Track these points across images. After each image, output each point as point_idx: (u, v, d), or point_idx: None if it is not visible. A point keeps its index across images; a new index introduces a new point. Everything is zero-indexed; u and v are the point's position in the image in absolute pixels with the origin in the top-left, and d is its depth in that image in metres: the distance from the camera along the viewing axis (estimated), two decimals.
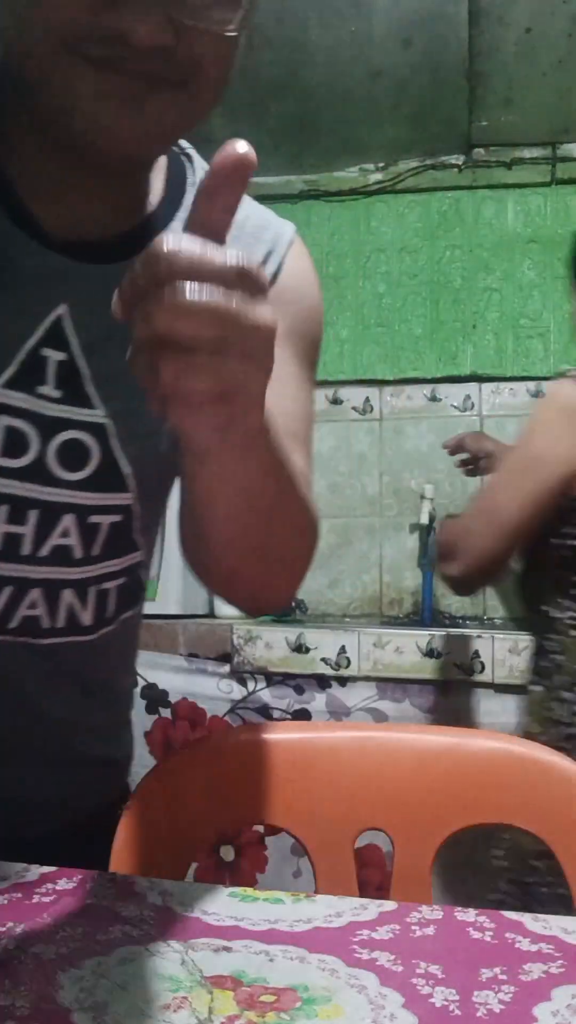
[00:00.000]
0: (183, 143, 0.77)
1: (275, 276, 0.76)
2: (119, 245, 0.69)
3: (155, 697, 1.80)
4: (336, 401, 2.44)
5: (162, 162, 0.74)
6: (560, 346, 2.33)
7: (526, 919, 0.59)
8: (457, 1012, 0.46)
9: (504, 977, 0.50)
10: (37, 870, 0.66)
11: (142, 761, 1.78)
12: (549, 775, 0.80)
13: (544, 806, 0.79)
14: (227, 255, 0.44)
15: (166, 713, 1.80)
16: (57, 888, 0.62)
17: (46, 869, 0.66)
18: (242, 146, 0.45)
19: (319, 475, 2.34)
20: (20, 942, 0.53)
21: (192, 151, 0.78)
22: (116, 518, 0.72)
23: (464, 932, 0.57)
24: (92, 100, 0.59)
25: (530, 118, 2.24)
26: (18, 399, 0.67)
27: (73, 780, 0.81)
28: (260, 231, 0.77)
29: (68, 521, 0.70)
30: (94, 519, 0.71)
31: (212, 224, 0.47)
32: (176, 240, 0.44)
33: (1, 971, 0.50)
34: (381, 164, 2.42)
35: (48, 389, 0.68)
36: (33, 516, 0.69)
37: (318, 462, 2.10)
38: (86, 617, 0.75)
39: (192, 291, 0.43)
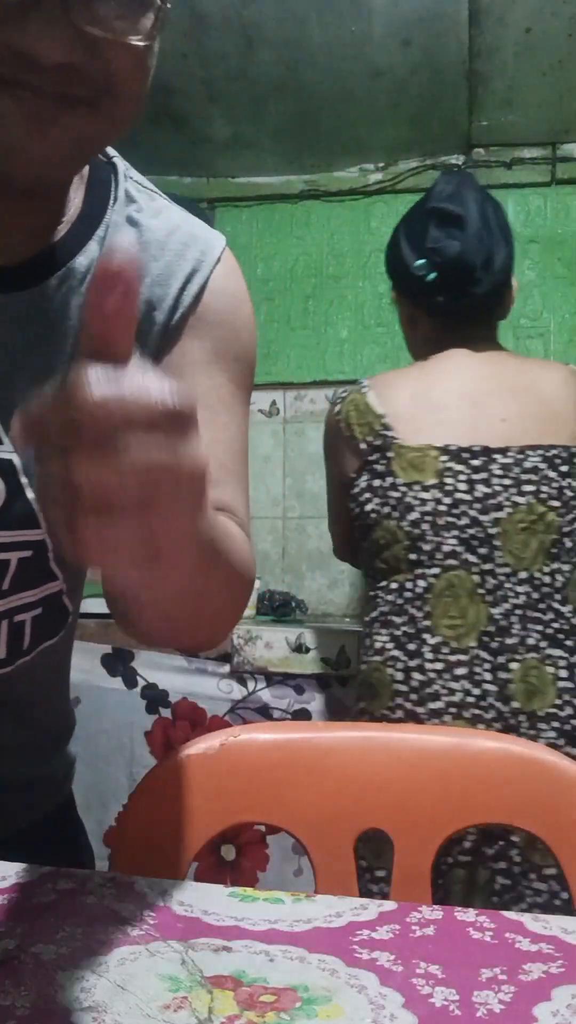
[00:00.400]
0: (109, 149, 0.74)
1: (199, 297, 0.72)
2: (26, 270, 0.66)
3: (155, 697, 1.80)
4: None
5: (84, 172, 0.71)
6: (560, 346, 2.33)
7: (526, 919, 0.59)
8: (457, 1012, 0.46)
9: (504, 977, 0.50)
10: (37, 870, 0.66)
11: (142, 761, 1.79)
12: (549, 775, 0.80)
13: (544, 806, 0.79)
14: (155, 396, 0.38)
15: (166, 713, 1.80)
16: (57, 888, 0.62)
17: (46, 869, 0.66)
18: (119, 257, 0.39)
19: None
20: (20, 942, 0.53)
21: (118, 159, 0.75)
22: (25, 554, 0.69)
23: (464, 932, 0.57)
24: (12, 125, 0.55)
25: (530, 118, 2.24)
26: None
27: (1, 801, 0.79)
28: (184, 248, 0.73)
29: None
30: (1, 556, 0.68)
31: (115, 349, 0.40)
32: (99, 384, 0.37)
33: (1, 971, 0.50)
34: (381, 164, 2.43)
35: None
36: None
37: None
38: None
39: (119, 446, 0.37)
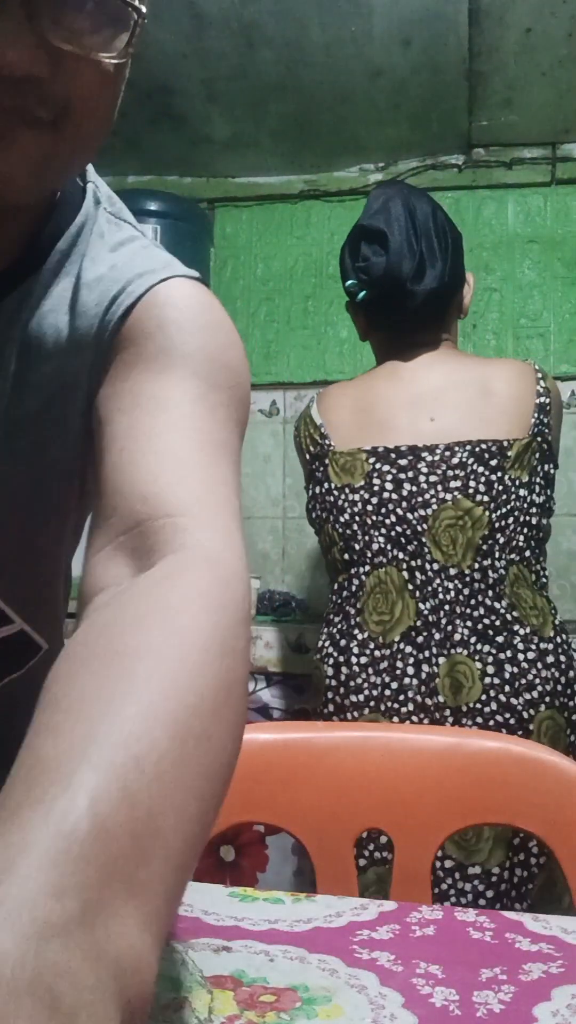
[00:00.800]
0: (89, 171, 0.70)
1: (126, 315, 0.64)
2: None
3: None
4: None
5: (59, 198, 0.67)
6: (560, 346, 2.33)
7: (526, 919, 0.59)
8: (457, 1012, 0.46)
9: (504, 977, 0.50)
10: None
11: None
12: (549, 775, 0.80)
13: (544, 806, 0.79)
14: None
15: None
16: None
17: None
18: None
19: None
20: None
21: (95, 181, 0.70)
22: None
23: (464, 932, 0.57)
24: None
25: (530, 118, 2.24)
26: None
27: None
28: (120, 277, 0.66)
29: None
30: None
31: None
32: None
33: None
34: (381, 164, 2.43)
35: None
36: None
37: None
38: None
39: None
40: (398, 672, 1.29)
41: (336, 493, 1.40)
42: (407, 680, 1.28)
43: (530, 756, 0.82)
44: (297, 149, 2.38)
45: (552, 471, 1.40)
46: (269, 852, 1.81)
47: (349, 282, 1.51)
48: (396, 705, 1.28)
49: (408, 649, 1.29)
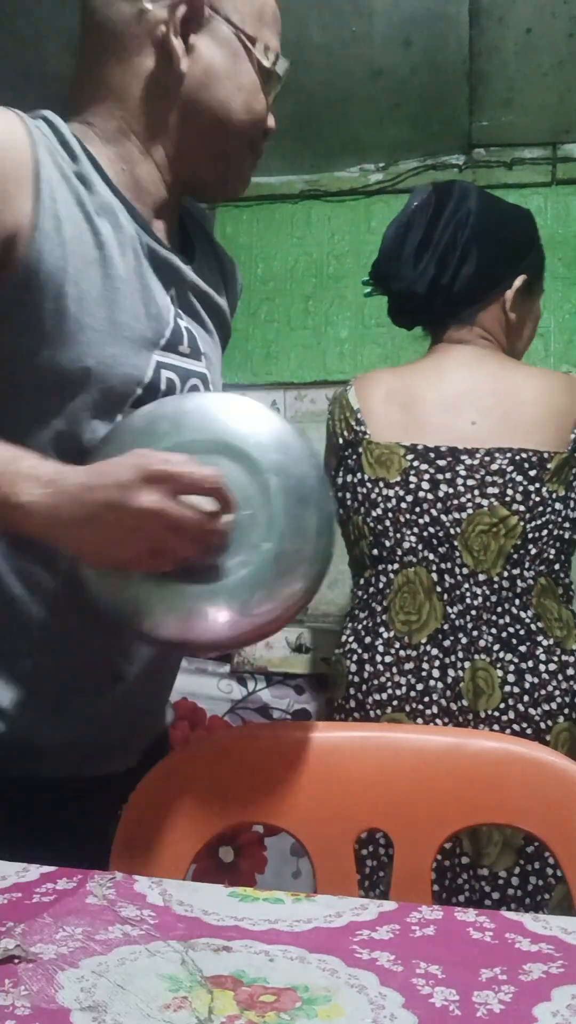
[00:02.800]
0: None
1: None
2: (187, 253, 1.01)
3: None
4: None
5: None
6: (560, 346, 2.33)
7: (526, 919, 0.59)
8: (457, 1012, 0.46)
9: (504, 977, 0.50)
10: (37, 870, 0.66)
11: None
12: (549, 775, 0.80)
13: (543, 806, 0.79)
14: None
15: None
16: (57, 888, 0.62)
17: (46, 869, 0.66)
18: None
19: None
20: (20, 942, 0.53)
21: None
22: None
23: (464, 932, 0.57)
24: (246, 170, 1.01)
25: (530, 118, 2.24)
26: (171, 357, 0.92)
27: (155, 728, 1.02)
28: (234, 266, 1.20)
29: None
30: None
31: None
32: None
33: (1, 971, 0.50)
34: (381, 164, 2.42)
35: (184, 348, 0.93)
36: None
37: None
38: None
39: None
40: (423, 674, 1.28)
41: (369, 486, 1.38)
42: (432, 683, 1.27)
43: (530, 756, 0.82)
44: (297, 149, 2.38)
45: None
46: (268, 854, 1.81)
47: (364, 279, 1.52)
48: (421, 707, 1.27)
49: (434, 652, 1.28)
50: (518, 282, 1.51)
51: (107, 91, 0.93)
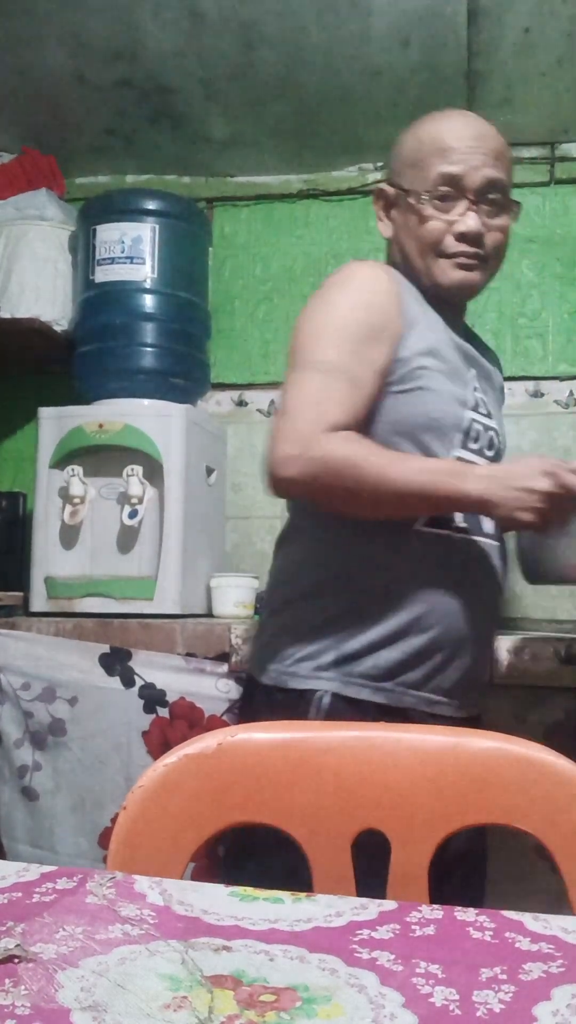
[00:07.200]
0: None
1: None
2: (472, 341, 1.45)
3: (153, 697, 1.80)
4: None
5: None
6: (559, 346, 2.33)
7: (526, 919, 0.59)
8: (457, 1012, 0.46)
9: (504, 977, 0.50)
10: (37, 870, 0.66)
11: (139, 761, 1.79)
12: (548, 775, 0.80)
13: (542, 806, 0.79)
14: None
15: (163, 713, 1.80)
16: (57, 888, 0.62)
17: (46, 869, 0.66)
18: None
19: None
20: (20, 942, 0.53)
21: None
22: None
23: (464, 932, 0.57)
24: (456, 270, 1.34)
25: (529, 118, 2.24)
26: (480, 417, 1.34)
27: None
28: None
29: None
30: None
31: None
32: None
33: (1, 971, 0.49)
34: (380, 164, 2.42)
35: (483, 413, 1.36)
36: None
37: None
38: None
39: None
40: None
41: None
42: None
43: (528, 756, 0.82)
44: (296, 149, 2.38)
45: None
46: None
47: None
48: None
49: None
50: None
51: None
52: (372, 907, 0.61)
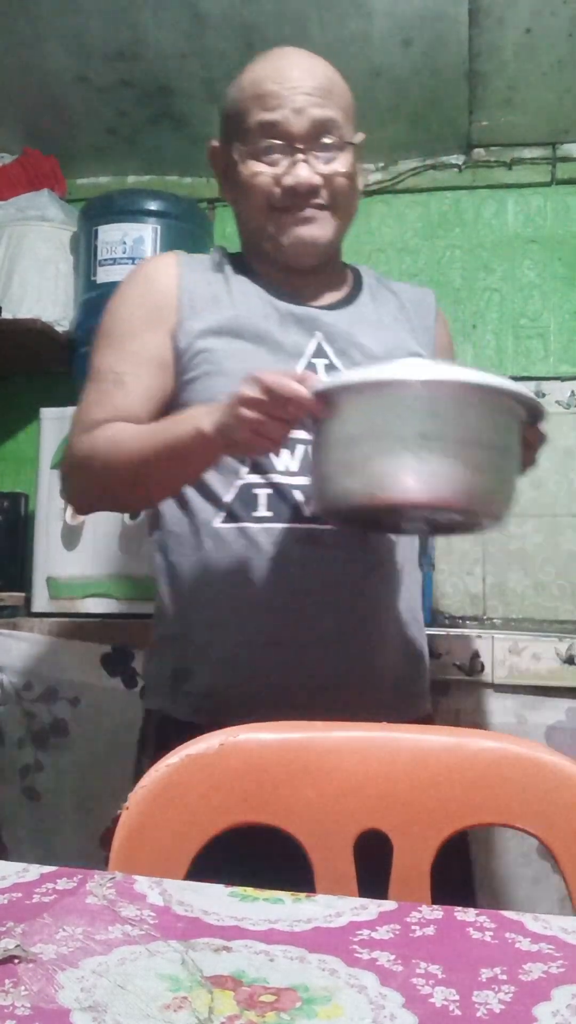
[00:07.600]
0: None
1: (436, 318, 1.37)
2: (342, 303, 1.27)
3: None
4: None
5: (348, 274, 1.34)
6: (560, 346, 2.33)
7: (526, 919, 0.59)
8: (457, 1012, 0.46)
9: (504, 977, 0.50)
10: (37, 870, 0.66)
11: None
12: (549, 775, 0.80)
13: (543, 807, 0.79)
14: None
15: None
16: (57, 888, 0.62)
17: (46, 869, 0.66)
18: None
19: None
20: (20, 942, 0.53)
21: (360, 267, 1.37)
22: None
23: (464, 932, 0.57)
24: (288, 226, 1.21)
25: (530, 118, 2.24)
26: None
27: None
28: (424, 293, 1.38)
29: None
30: None
31: None
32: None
33: (1, 971, 0.50)
34: (381, 164, 2.42)
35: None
36: None
37: None
38: None
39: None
40: None
41: None
42: None
43: (530, 756, 0.82)
44: None
45: None
46: None
47: None
48: None
49: None
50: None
51: None
52: (372, 907, 0.61)
